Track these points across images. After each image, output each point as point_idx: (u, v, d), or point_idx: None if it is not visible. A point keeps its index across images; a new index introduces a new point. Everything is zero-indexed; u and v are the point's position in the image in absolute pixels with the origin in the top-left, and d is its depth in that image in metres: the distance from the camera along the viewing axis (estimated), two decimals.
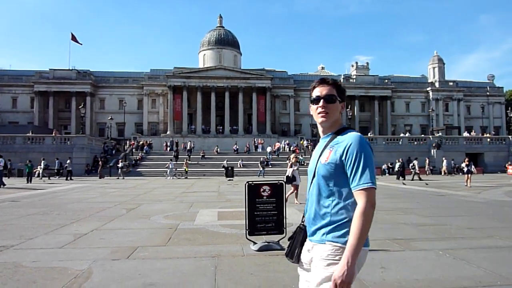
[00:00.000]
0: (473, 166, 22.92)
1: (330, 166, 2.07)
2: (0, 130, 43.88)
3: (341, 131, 2.17)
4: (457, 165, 39.51)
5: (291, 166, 13.48)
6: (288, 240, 2.37)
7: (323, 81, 2.24)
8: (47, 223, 8.93)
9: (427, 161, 37.62)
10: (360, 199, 1.97)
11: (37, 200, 14.73)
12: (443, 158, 38.97)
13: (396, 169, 32.54)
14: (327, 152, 2.12)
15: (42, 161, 33.49)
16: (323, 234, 2.07)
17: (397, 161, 32.88)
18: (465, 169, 21.98)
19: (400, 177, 30.20)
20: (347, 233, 1.98)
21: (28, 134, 39.93)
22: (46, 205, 12.71)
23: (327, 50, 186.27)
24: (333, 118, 2.18)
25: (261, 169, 36.17)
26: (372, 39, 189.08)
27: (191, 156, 41.50)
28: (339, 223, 2.04)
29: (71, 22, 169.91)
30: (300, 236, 2.27)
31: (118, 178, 31.56)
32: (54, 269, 5.15)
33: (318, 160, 2.16)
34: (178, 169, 34.79)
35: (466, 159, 22.62)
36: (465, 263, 5.40)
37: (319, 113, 2.18)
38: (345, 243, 1.97)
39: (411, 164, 30.76)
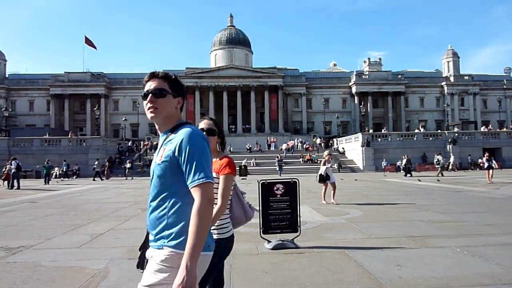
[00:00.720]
0: (494, 161, 22.28)
1: (164, 165, 1.94)
2: (18, 132, 44.78)
3: (176, 127, 2.04)
4: (474, 160, 38.91)
5: (324, 164, 12.69)
6: (139, 250, 2.20)
7: (152, 74, 2.11)
8: (65, 224, 9.08)
9: (452, 158, 37.22)
10: (196, 196, 1.83)
11: (55, 201, 14.98)
12: (451, 154, 38.34)
13: (402, 165, 31.96)
14: (162, 151, 2.00)
15: (64, 163, 34.66)
16: (161, 238, 1.91)
17: (403, 157, 32.39)
18: (486, 165, 21.12)
19: (407, 174, 29.77)
20: (186, 238, 1.81)
21: (45, 137, 40.67)
22: (63, 206, 12.93)
23: (338, 46, 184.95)
24: (164, 114, 2.05)
25: (278, 167, 34.80)
26: (385, 34, 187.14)
27: None
28: (177, 226, 1.88)
29: (84, 25, 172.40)
30: (148, 244, 2.09)
31: (126, 179, 31.85)
32: (72, 268, 5.24)
33: (154, 160, 2.04)
34: None
35: (487, 154, 21.75)
36: (483, 260, 5.31)
37: (148, 109, 2.05)
38: (182, 248, 1.80)
39: (435, 160, 30.28)
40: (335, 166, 39.36)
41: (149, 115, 2.06)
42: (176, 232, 1.88)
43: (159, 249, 1.90)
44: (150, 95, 2.04)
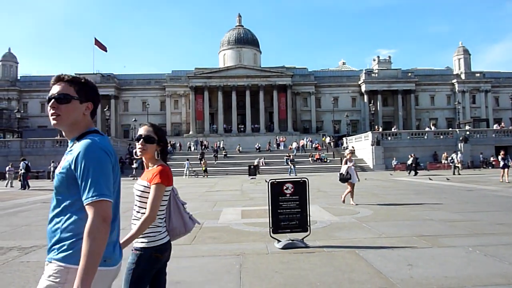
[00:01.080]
0: (510, 160, 21.84)
1: (61, 177, 1.85)
2: (30, 134, 45.40)
3: (83, 135, 1.93)
4: (486, 158, 38.41)
5: (345, 163, 12.02)
6: None
7: (58, 78, 2.00)
8: None
9: (459, 155, 36.67)
10: (89, 214, 1.73)
11: None
12: (457, 152, 37.78)
13: (407, 164, 31.55)
14: (62, 161, 1.92)
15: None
16: (52, 251, 1.83)
17: (409, 156, 32.09)
18: (501, 163, 20.50)
19: (412, 172, 29.45)
20: (77, 252, 1.72)
21: (56, 138, 41.14)
22: None
23: (348, 44, 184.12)
24: (68, 121, 1.93)
25: (291, 167, 32.92)
26: (394, 32, 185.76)
27: (217, 156, 41.64)
28: (69, 240, 1.79)
29: (94, 27, 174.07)
30: None
31: (133, 179, 32.10)
32: None
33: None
34: (195, 169, 35.16)
35: (502, 152, 21.24)
36: (496, 260, 5.24)
37: (50, 115, 1.93)
38: (70, 262, 1.75)
39: (449, 158, 30.01)
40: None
41: (51, 122, 1.95)
42: (67, 245, 1.79)
43: (49, 262, 1.82)
44: (53, 100, 1.93)
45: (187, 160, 37.19)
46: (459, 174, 27.51)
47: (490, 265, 5.02)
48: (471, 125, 50.09)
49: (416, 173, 29.16)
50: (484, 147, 39.50)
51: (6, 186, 24.40)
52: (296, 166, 36.36)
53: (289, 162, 34.28)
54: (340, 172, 12.12)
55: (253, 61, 69.12)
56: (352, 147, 13.08)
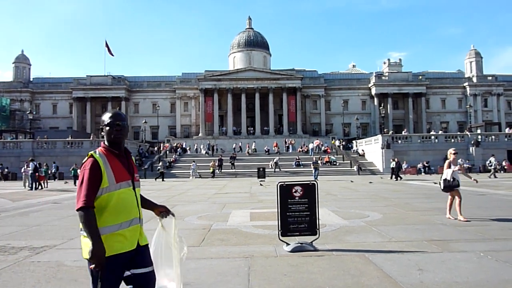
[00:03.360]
0: None
1: None
2: (42, 135, 45.96)
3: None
4: (498, 162, 37.85)
5: (448, 166, 9.50)
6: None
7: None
8: None
9: (461, 161, 36.25)
10: None
11: None
12: (494, 155, 37.26)
13: (391, 167, 30.64)
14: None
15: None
16: None
17: (391, 160, 31.54)
18: None
19: (393, 177, 28.92)
20: None
21: (67, 139, 41.65)
22: None
23: (358, 47, 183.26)
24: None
25: (313, 170, 30.67)
26: (405, 35, 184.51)
27: (234, 163, 40.72)
28: None
29: (105, 29, 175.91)
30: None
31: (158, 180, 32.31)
32: None
33: None
34: (201, 171, 35.24)
35: None
36: (508, 265, 5.16)
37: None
38: None
39: (487, 162, 29.82)
40: (355, 168, 38.97)
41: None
42: None
43: None
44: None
45: (193, 161, 37.30)
46: (495, 177, 27.42)
47: (502, 270, 4.95)
48: (483, 128, 49.52)
49: (397, 178, 28.42)
50: (496, 151, 38.93)
51: (24, 187, 24.29)
52: (305, 169, 36.20)
53: (311, 165, 32.14)
54: (444, 178, 9.50)
55: (262, 64, 69.22)
56: (453, 150, 9.70)
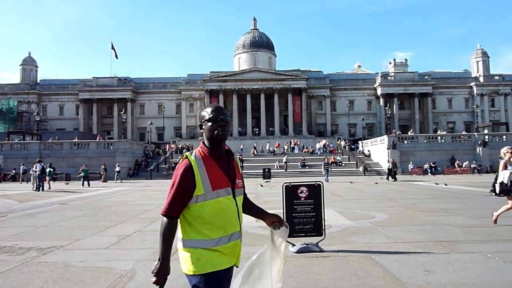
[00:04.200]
0: None
1: None
2: (48, 136, 46.30)
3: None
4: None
5: (505, 167, 8.22)
6: None
7: None
8: (93, 225, 9.32)
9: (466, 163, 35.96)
10: None
11: (84, 203, 15.39)
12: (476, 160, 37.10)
13: (387, 169, 30.33)
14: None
15: (117, 166, 34.98)
16: None
17: (387, 161, 31.18)
18: None
19: (390, 178, 28.66)
20: None
21: (74, 140, 41.92)
22: (91, 208, 13.27)
23: (363, 47, 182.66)
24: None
25: (324, 171, 29.70)
26: (411, 35, 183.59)
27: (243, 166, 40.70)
28: None
29: (110, 30, 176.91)
30: None
31: (115, 182, 32.18)
32: (100, 269, 5.37)
33: None
34: None
35: None
36: None
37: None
38: None
39: None
40: (360, 169, 38.80)
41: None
42: None
43: None
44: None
45: None
46: None
47: (510, 272, 4.91)
48: (490, 128, 49.15)
49: (395, 179, 28.21)
50: None
51: (33, 189, 24.41)
52: (311, 170, 36.10)
53: (322, 167, 31.01)
54: (501, 181, 8.20)
55: (268, 65, 69.24)
56: (509, 148, 8.08)
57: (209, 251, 2.19)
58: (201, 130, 2.35)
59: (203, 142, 2.35)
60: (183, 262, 2.24)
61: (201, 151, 2.29)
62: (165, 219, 2.20)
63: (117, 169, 34.30)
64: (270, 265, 2.53)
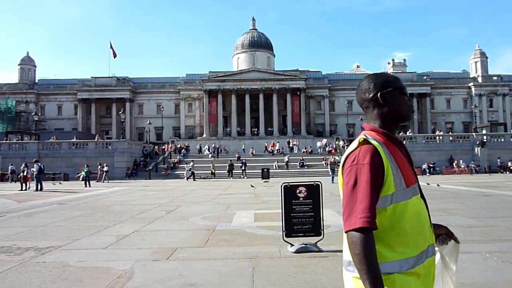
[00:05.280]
0: None
1: None
2: (47, 136, 46.20)
3: None
4: (504, 163, 37.67)
5: None
6: None
7: None
8: (92, 225, 9.30)
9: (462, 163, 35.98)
10: None
11: (82, 203, 15.36)
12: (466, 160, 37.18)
13: None
14: None
15: (105, 165, 34.77)
16: None
17: None
18: None
19: None
20: None
21: (72, 140, 41.83)
22: (90, 208, 13.25)
23: (362, 48, 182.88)
24: None
25: (330, 172, 27.74)
26: (410, 35, 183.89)
27: (246, 170, 38.13)
28: None
29: (109, 30, 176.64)
30: None
31: (103, 182, 31.92)
32: (98, 269, 5.36)
33: None
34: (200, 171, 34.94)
35: None
36: None
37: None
38: None
39: None
40: None
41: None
42: None
43: None
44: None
45: (192, 161, 36.27)
46: None
47: (508, 271, 4.91)
48: (488, 129, 49.19)
49: None
50: (501, 152, 38.76)
51: (20, 189, 24.43)
52: (310, 170, 36.03)
53: (329, 167, 29.57)
54: None
55: (266, 65, 69.24)
56: None
57: (404, 276, 1.53)
58: (374, 108, 1.70)
59: (373, 123, 1.71)
60: None
61: (379, 135, 1.64)
62: (357, 235, 1.47)
63: (105, 168, 33.92)
64: None
